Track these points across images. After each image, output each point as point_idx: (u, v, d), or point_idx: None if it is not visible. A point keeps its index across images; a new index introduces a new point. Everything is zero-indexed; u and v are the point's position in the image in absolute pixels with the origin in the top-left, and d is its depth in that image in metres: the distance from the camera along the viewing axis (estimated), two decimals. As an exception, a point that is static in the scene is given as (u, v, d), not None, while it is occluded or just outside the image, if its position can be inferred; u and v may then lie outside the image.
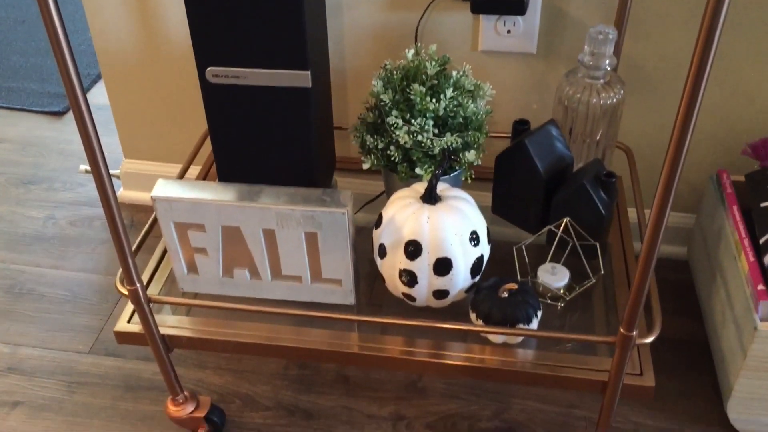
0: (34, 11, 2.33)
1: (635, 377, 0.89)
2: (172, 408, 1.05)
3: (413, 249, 0.90)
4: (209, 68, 0.94)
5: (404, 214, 0.92)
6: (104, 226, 1.48)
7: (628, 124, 1.23)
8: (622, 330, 0.82)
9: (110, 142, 1.58)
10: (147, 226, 1.02)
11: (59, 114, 1.84)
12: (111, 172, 0.85)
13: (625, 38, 1.12)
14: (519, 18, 1.14)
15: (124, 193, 1.54)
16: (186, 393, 1.05)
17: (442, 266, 0.90)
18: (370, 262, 1.00)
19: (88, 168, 1.58)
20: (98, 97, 1.85)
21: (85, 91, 0.74)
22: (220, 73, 0.94)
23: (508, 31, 1.16)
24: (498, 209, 1.11)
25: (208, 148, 1.30)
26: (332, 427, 1.09)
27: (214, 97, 0.96)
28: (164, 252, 1.08)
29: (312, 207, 0.89)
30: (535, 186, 1.04)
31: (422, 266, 0.91)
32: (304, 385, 1.16)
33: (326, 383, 1.16)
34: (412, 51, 1.04)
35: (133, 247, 0.92)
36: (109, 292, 1.33)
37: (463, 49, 1.19)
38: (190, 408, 1.05)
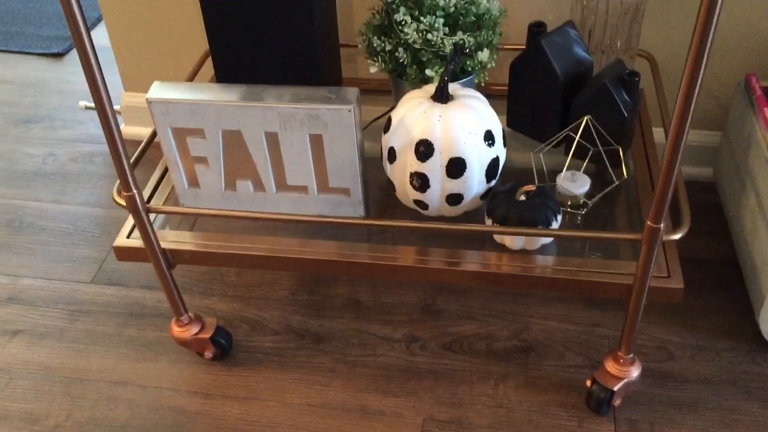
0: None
1: (662, 280, 0.84)
2: (176, 329, 1.01)
3: (424, 149, 0.85)
4: (205, -33, 0.89)
5: (414, 114, 0.86)
6: (105, 162, 1.44)
7: (650, 31, 1.16)
8: (649, 222, 0.77)
9: (112, 80, 1.52)
10: (146, 138, 0.98)
11: (58, 55, 1.80)
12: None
13: (646, -65, 1.05)
14: None
15: (125, 129, 1.49)
16: (190, 314, 1.01)
17: (456, 167, 0.85)
18: (379, 171, 0.95)
19: (88, 104, 1.54)
20: (97, 38, 1.80)
21: (87, 23, 0.70)
22: (217, -31, 0.89)
23: (522, -67, 1.09)
24: (513, 122, 1.06)
25: (209, 70, 1.25)
26: (344, 348, 1.05)
27: (214, 12, 0.91)
28: (165, 170, 1.03)
29: (316, 105, 0.84)
30: (553, 91, 0.98)
31: (434, 168, 0.85)
32: (314, 310, 1.11)
33: (336, 307, 1.11)
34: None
35: (132, 159, 0.87)
36: (112, 225, 1.29)
37: (474, -45, 1.13)
38: (195, 329, 1.01)
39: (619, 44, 1.05)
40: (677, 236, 0.81)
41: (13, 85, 1.70)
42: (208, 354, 1.03)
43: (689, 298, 1.09)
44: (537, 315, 1.09)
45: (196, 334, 1.00)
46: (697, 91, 0.65)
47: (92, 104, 1.35)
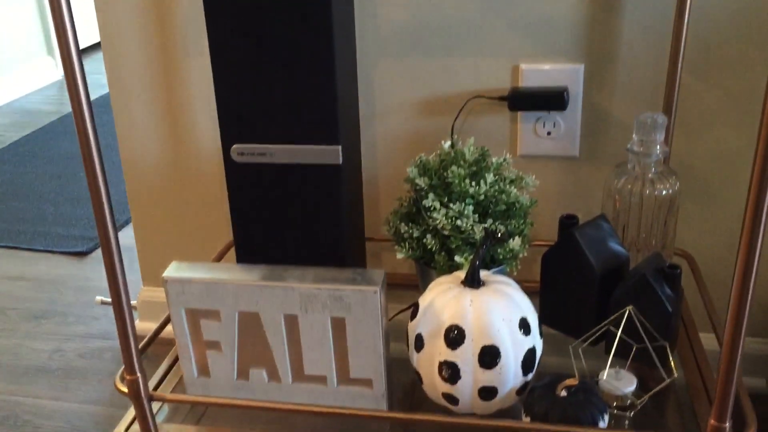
0: (69, 167, 2.37)
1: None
2: None
3: (455, 335, 0.78)
4: (235, 146, 0.89)
5: (444, 299, 0.81)
6: (114, 358, 1.37)
7: (685, 231, 1.13)
8: (712, 421, 0.68)
9: (132, 279, 1.50)
10: (160, 322, 0.92)
11: (82, 254, 1.80)
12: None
13: (674, 134, 1.06)
14: (559, 118, 1.09)
15: (140, 324, 1.44)
16: None
17: (489, 356, 0.78)
18: (403, 371, 0.87)
19: (105, 299, 1.50)
20: (125, 239, 1.82)
21: (114, 216, 0.71)
22: (245, 151, 0.89)
23: (548, 133, 1.10)
24: (547, 318, 1.00)
25: (231, 260, 1.22)
26: None
27: (238, 178, 0.90)
28: (175, 360, 0.96)
29: (340, 285, 0.79)
30: (588, 285, 0.93)
31: (466, 356, 0.78)
32: None
33: None
34: (448, 143, 0.98)
35: (141, 344, 0.81)
36: (111, 423, 1.19)
37: (502, 154, 1.13)
38: None
39: (654, 242, 1.01)
40: (745, 437, 0.71)
41: (31, 282, 1.68)
42: None
43: None
44: None
45: None
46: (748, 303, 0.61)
47: (109, 299, 1.32)
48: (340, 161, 0.87)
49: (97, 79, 3.20)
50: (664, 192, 0.96)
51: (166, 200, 1.30)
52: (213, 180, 1.25)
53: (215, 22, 0.84)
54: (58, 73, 3.44)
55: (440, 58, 1.10)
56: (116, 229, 0.75)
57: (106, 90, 3.01)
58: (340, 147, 0.87)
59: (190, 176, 1.26)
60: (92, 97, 3.17)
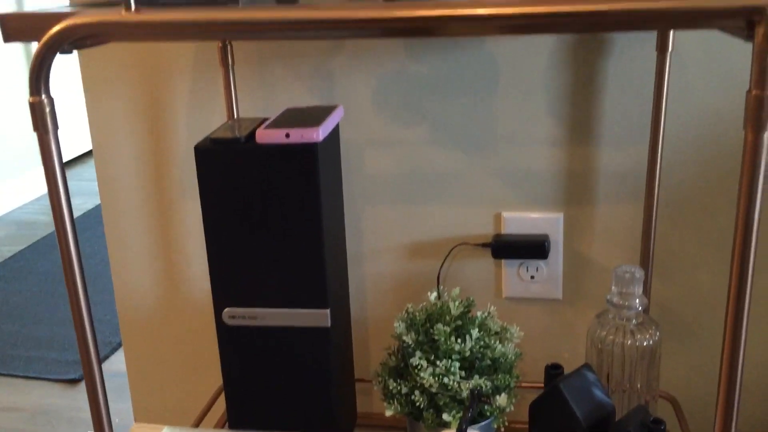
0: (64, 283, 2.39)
1: None
2: None
3: (443, 504, 0.79)
4: (226, 309, 0.92)
5: (432, 464, 0.82)
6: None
7: (669, 371, 1.15)
8: None
9: (123, 408, 1.51)
10: (148, 485, 0.93)
11: (74, 381, 1.80)
12: None
13: (652, 280, 1.09)
14: (542, 263, 1.13)
15: (130, 462, 1.43)
16: None
17: None
18: None
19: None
20: (118, 364, 1.82)
21: (98, 352, 0.73)
22: (237, 314, 0.92)
23: (532, 277, 1.14)
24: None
25: (221, 406, 1.23)
26: None
27: (230, 340, 0.93)
28: None
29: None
30: (574, 436, 0.95)
31: None
32: None
33: None
34: (435, 294, 1.01)
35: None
36: None
37: (487, 296, 1.17)
38: None
39: (639, 385, 1.03)
40: None
41: (25, 413, 1.68)
42: None
43: None
44: None
45: None
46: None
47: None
48: (329, 324, 0.90)
49: (94, 186, 3.26)
50: (645, 343, 0.99)
51: (159, 333, 1.32)
52: (205, 319, 1.28)
53: (208, 193, 0.88)
54: (55, 182, 3.50)
55: (425, 205, 1.14)
56: (101, 366, 0.75)
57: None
58: (328, 311, 0.90)
59: (183, 312, 1.29)
60: (91, 206, 3.23)
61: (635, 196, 1.08)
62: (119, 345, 1.96)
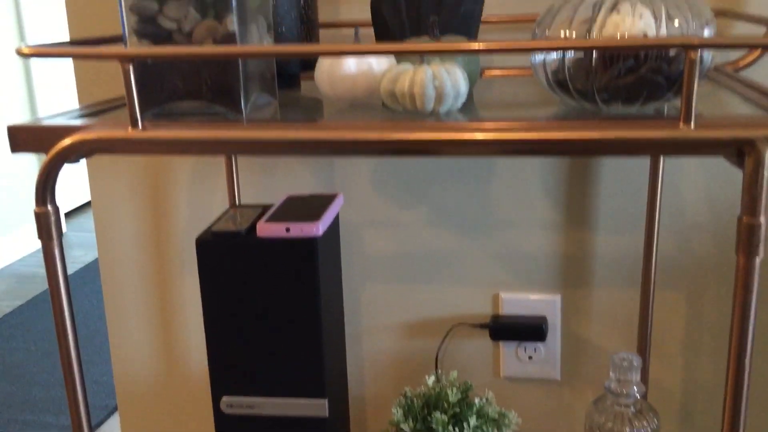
0: (62, 343, 2.39)
1: None
2: None
3: None
4: (224, 398, 0.92)
5: None
6: None
7: (666, 451, 1.15)
8: None
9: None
10: None
11: (70, 447, 1.79)
12: None
13: (650, 364, 1.10)
14: (540, 344, 1.13)
15: None
16: None
17: None
18: None
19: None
20: (114, 428, 1.82)
21: (91, 421, 0.72)
22: (234, 403, 0.92)
23: (530, 357, 1.14)
24: None
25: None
26: None
27: (227, 428, 0.93)
28: None
29: None
30: None
31: None
32: None
33: None
34: (433, 378, 1.02)
35: None
36: None
37: (485, 376, 1.17)
38: None
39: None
40: None
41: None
42: None
43: None
44: None
45: None
46: None
47: None
48: (327, 414, 0.90)
49: (94, 238, 3.27)
50: (642, 430, 0.99)
51: (156, 405, 1.32)
52: (203, 396, 1.27)
53: (208, 283, 0.89)
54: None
55: (424, 285, 1.15)
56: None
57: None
58: (326, 400, 0.90)
59: (181, 390, 1.28)
60: (90, 258, 3.23)
61: (632, 280, 1.09)
62: (115, 409, 1.95)
